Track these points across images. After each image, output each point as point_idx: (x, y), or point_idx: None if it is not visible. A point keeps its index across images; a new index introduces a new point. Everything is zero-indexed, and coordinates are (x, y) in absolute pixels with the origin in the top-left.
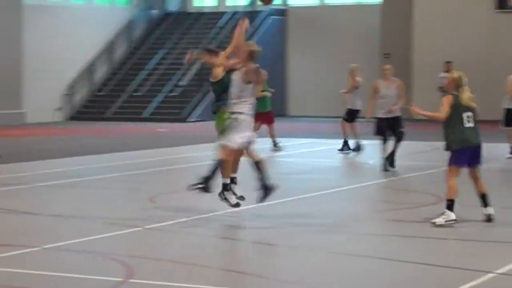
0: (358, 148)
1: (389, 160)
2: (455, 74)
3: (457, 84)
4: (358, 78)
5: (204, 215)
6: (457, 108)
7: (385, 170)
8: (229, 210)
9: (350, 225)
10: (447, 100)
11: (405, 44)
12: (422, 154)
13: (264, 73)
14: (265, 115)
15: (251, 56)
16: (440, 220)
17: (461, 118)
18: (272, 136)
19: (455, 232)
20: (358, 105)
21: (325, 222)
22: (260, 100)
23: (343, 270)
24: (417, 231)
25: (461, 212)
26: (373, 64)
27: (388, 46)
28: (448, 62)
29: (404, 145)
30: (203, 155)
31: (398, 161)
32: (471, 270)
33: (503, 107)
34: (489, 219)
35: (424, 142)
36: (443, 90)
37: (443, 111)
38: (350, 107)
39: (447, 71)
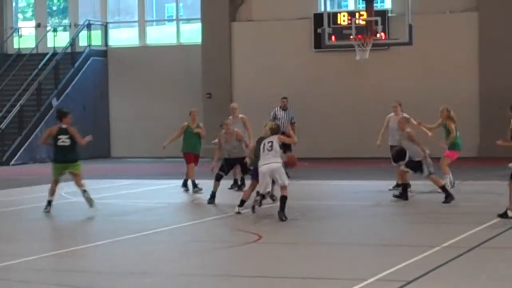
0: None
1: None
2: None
3: None
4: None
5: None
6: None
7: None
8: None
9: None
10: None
11: (225, 83)
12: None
13: None
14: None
15: None
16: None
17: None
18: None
19: None
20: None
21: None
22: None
23: None
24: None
25: None
26: (196, 104)
27: (209, 85)
28: (284, 98)
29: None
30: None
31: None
32: None
33: (389, 144)
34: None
35: None
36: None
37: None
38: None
39: (284, 106)
